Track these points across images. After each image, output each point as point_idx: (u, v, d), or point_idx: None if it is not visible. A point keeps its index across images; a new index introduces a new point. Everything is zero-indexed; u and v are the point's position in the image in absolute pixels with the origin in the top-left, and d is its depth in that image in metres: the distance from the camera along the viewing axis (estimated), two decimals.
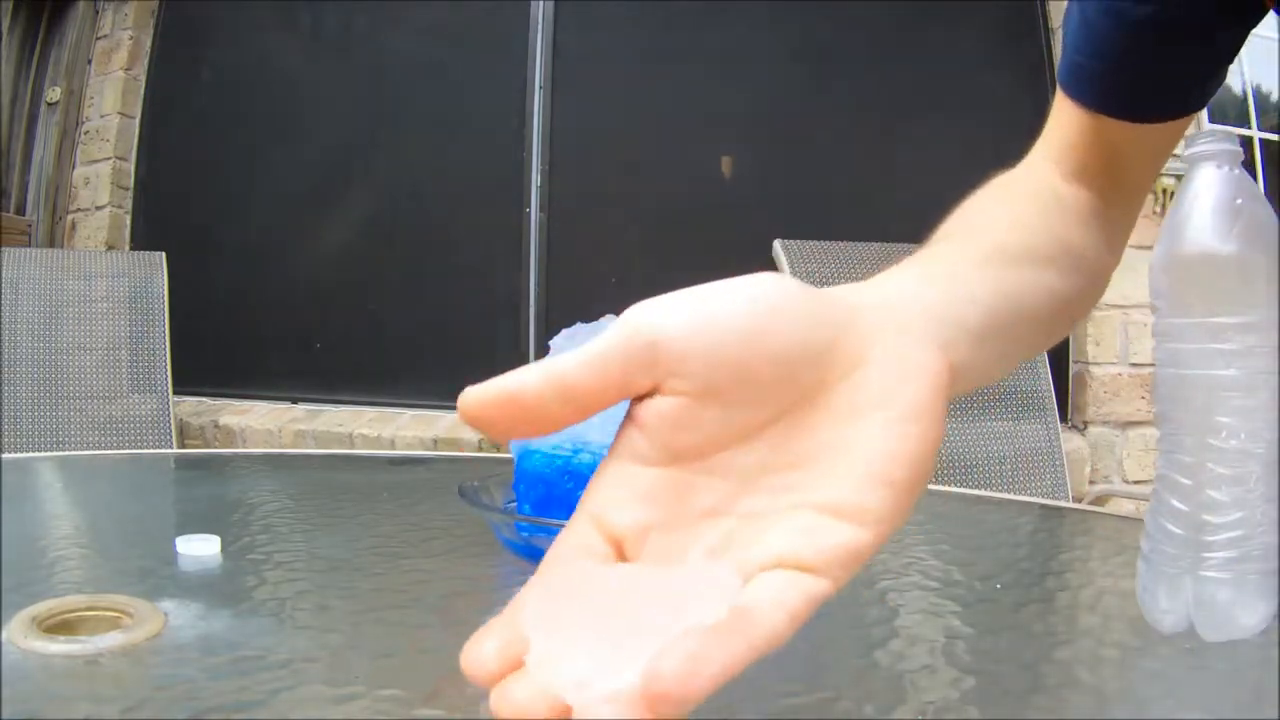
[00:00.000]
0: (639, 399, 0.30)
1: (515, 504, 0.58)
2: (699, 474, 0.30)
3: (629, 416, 0.30)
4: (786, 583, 0.27)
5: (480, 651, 0.27)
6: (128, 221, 2.71)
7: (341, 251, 2.58)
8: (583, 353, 0.29)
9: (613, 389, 0.29)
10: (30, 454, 1.40)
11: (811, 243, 1.85)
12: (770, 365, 0.29)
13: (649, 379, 0.29)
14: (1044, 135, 0.61)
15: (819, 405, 0.30)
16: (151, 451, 1.81)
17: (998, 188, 0.55)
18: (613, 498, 0.30)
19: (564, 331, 0.58)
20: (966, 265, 0.41)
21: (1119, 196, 0.60)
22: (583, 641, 0.25)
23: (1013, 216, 0.50)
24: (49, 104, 2.73)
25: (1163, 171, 2.31)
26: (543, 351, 0.59)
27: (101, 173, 2.68)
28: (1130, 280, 2.34)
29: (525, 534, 0.56)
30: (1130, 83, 0.58)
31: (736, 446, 0.30)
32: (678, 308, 0.29)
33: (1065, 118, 0.60)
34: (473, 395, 0.31)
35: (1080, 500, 1.82)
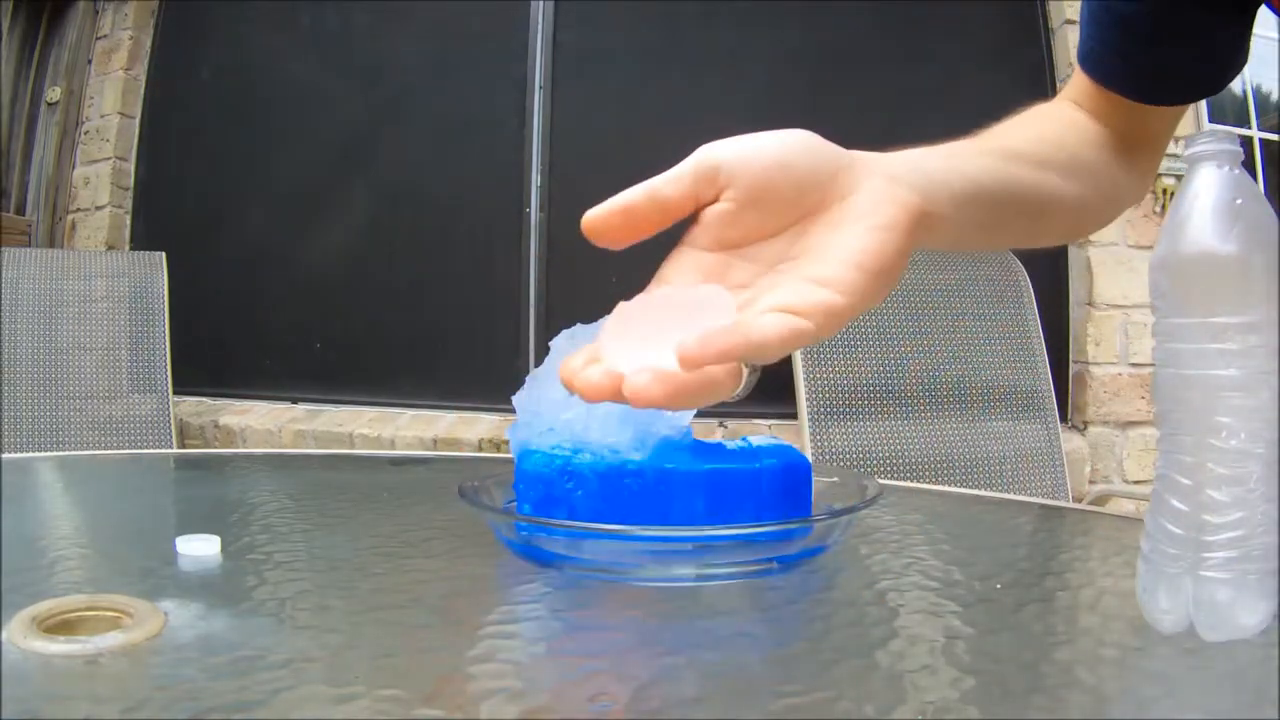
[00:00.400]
0: (703, 206, 0.43)
1: (515, 504, 0.58)
2: (736, 259, 0.43)
3: (695, 219, 0.44)
4: (778, 317, 0.38)
5: (572, 360, 0.40)
6: (128, 221, 2.71)
7: (341, 251, 2.58)
8: (668, 173, 0.43)
9: (689, 198, 0.43)
10: (30, 454, 1.40)
11: None
12: (791, 186, 0.42)
13: (713, 191, 0.43)
14: (1069, 84, 0.67)
15: (820, 217, 0.43)
16: (151, 451, 1.81)
17: (1026, 112, 0.63)
18: (677, 268, 0.43)
19: (564, 332, 0.58)
20: (969, 151, 0.52)
21: (1139, 140, 0.64)
22: (634, 340, 0.38)
23: (1028, 129, 0.60)
24: (49, 104, 2.73)
25: (1162, 172, 2.30)
26: (543, 352, 0.59)
27: (101, 173, 2.68)
28: (1130, 280, 2.35)
29: (525, 534, 0.56)
30: (1137, 70, 0.60)
31: (763, 242, 0.44)
32: (734, 143, 0.43)
33: (1084, 80, 0.65)
34: (593, 212, 0.43)
35: (1080, 500, 1.82)
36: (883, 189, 0.43)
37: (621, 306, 0.41)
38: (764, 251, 0.43)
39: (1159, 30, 0.59)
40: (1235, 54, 0.61)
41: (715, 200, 0.43)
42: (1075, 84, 0.66)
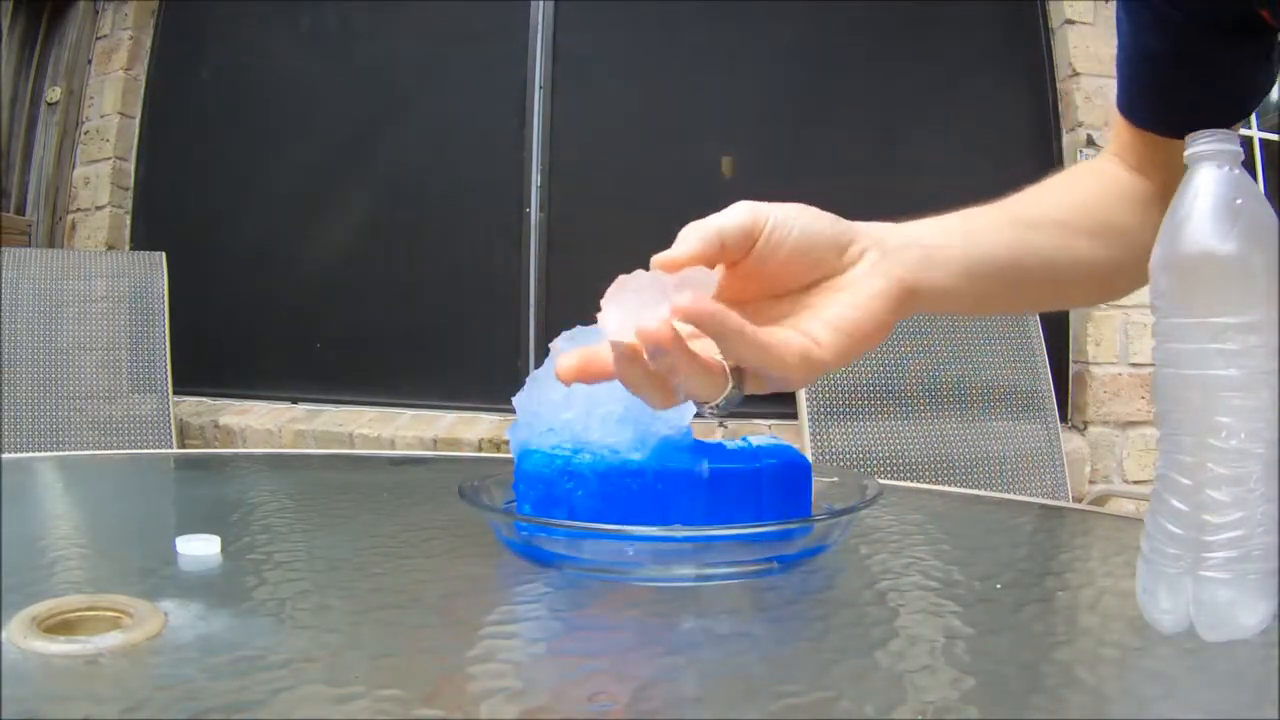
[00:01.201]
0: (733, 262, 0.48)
1: (515, 504, 0.58)
2: (745, 311, 0.45)
3: (727, 270, 0.48)
4: (767, 330, 0.44)
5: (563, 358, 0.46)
6: (128, 221, 2.71)
7: (341, 251, 2.58)
8: (726, 218, 0.47)
9: (744, 244, 0.47)
10: (30, 454, 1.40)
11: None
12: (808, 255, 0.48)
13: (750, 242, 0.47)
14: (1111, 139, 0.69)
15: (822, 285, 0.49)
16: (151, 451, 1.81)
17: (1064, 173, 0.66)
18: None
19: (564, 334, 0.59)
20: (988, 222, 0.57)
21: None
22: (628, 306, 0.43)
23: (1059, 194, 0.63)
24: (49, 104, 2.73)
25: None
26: (543, 352, 0.59)
27: (101, 173, 2.68)
28: None
29: (525, 534, 0.56)
30: (1170, 105, 0.61)
31: (772, 299, 0.49)
32: (778, 206, 0.48)
33: (1123, 126, 0.66)
34: (687, 235, 0.47)
35: (1080, 500, 1.82)
36: (876, 263, 0.49)
37: (620, 279, 0.45)
38: (769, 309, 0.49)
39: (1187, 61, 0.60)
40: (1262, 75, 0.62)
41: (745, 255, 0.48)
42: (1116, 137, 0.67)
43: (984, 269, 0.54)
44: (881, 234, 0.51)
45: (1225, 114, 0.63)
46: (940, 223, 0.55)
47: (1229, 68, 0.60)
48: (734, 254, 0.47)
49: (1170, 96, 0.62)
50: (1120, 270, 0.62)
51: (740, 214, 0.47)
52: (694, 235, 0.46)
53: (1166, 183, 0.63)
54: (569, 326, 0.59)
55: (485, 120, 2.50)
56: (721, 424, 2.18)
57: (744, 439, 0.59)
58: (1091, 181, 0.66)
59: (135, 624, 0.42)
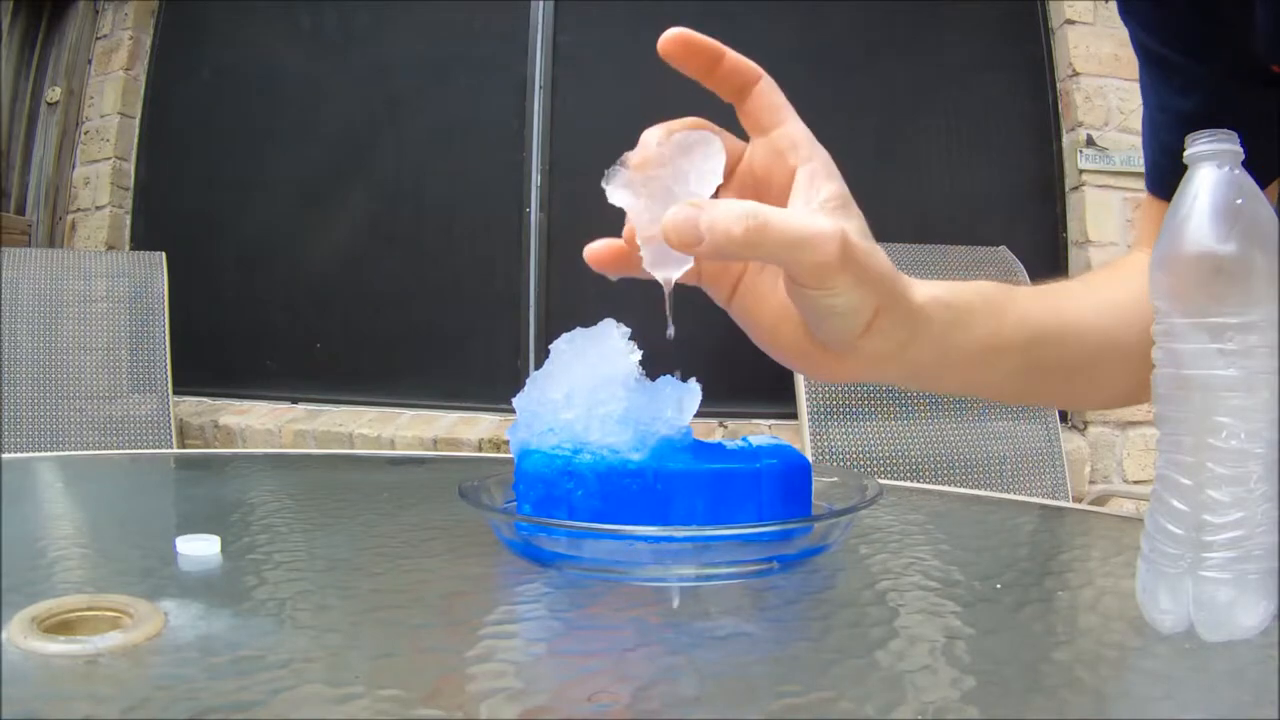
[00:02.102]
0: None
1: (515, 504, 0.58)
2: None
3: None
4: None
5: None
6: (128, 221, 2.72)
7: (342, 251, 2.58)
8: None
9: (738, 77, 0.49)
10: (30, 454, 1.40)
11: None
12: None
13: (741, 80, 0.50)
14: (1139, 229, 0.69)
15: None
16: (151, 451, 1.81)
17: (1104, 270, 0.65)
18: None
19: (564, 336, 0.59)
20: (1000, 292, 0.52)
21: None
22: (638, 189, 0.46)
23: (1086, 285, 0.60)
24: (49, 104, 2.73)
25: None
26: (543, 352, 0.59)
27: (101, 173, 2.68)
28: None
29: (525, 534, 0.56)
30: None
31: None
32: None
33: (1153, 207, 0.66)
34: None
35: (1080, 500, 1.82)
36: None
37: (624, 157, 0.47)
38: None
39: (1219, 120, 0.58)
40: None
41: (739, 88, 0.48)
42: (1147, 222, 0.65)
43: (969, 318, 0.51)
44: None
45: (1262, 173, 0.61)
46: (951, 285, 0.51)
47: (1262, 124, 0.58)
48: (729, 79, 0.48)
49: None
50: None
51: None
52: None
53: None
54: (569, 326, 0.60)
55: (485, 120, 2.50)
56: (721, 424, 2.18)
57: (744, 439, 0.59)
58: (1115, 280, 0.62)
59: (135, 624, 0.42)
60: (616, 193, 0.46)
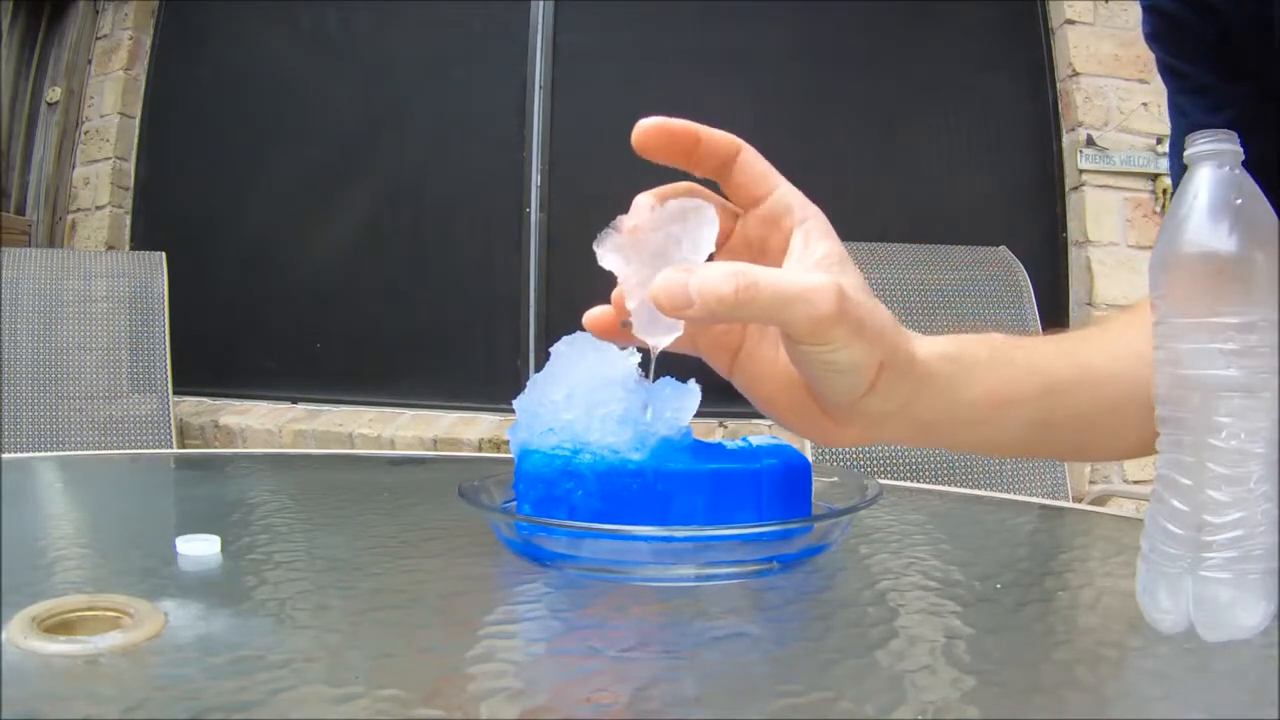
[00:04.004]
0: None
1: (515, 504, 0.58)
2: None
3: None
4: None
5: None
6: (128, 221, 2.72)
7: (341, 251, 2.58)
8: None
9: (722, 152, 0.47)
10: (30, 454, 1.40)
11: None
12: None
13: (729, 154, 0.48)
14: None
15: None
16: (151, 451, 1.81)
17: (1127, 309, 0.62)
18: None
19: (565, 338, 0.59)
20: (1008, 343, 0.52)
21: None
22: (628, 255, 0.46)
23: (1105, 330, 0.59)
24: (49, 104, 2.73)
25: (1162, 172, 2.30)
26: (543, 353, 0.59)
27: (101, 173, 2.68)
28: (1130, 280, 2.35)
29: (525, 534, 0.56)
30: None
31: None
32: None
33: None
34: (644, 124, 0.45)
35: (1080, 500, 1.82)
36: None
37: (617, 221, 0.46)
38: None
39: (1249, 133, 0.58)
40: None
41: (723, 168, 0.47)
42: None
43: (980, 367, 0.50)
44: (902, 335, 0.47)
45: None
46: (961, 340, 0.52)
47: None
48: (709, 158, 0.46)
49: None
50: None
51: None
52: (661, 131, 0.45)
53: None
54: (569, 326, 0.60)
55: (485, 120, 2.50)
56: (721, 424, 2.18)
57: (744, 439, 0.59)
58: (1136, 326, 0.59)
59: (135, 624, 0.42)
60: (607, 257, 0.46)
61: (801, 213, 0.47)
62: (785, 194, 0.47)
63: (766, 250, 0.48)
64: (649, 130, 0.45)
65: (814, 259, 0.44)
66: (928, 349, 0.47)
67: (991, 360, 0.50)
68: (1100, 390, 0.53)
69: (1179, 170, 0.63)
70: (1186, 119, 0.62)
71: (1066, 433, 0.56)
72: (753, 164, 0.48)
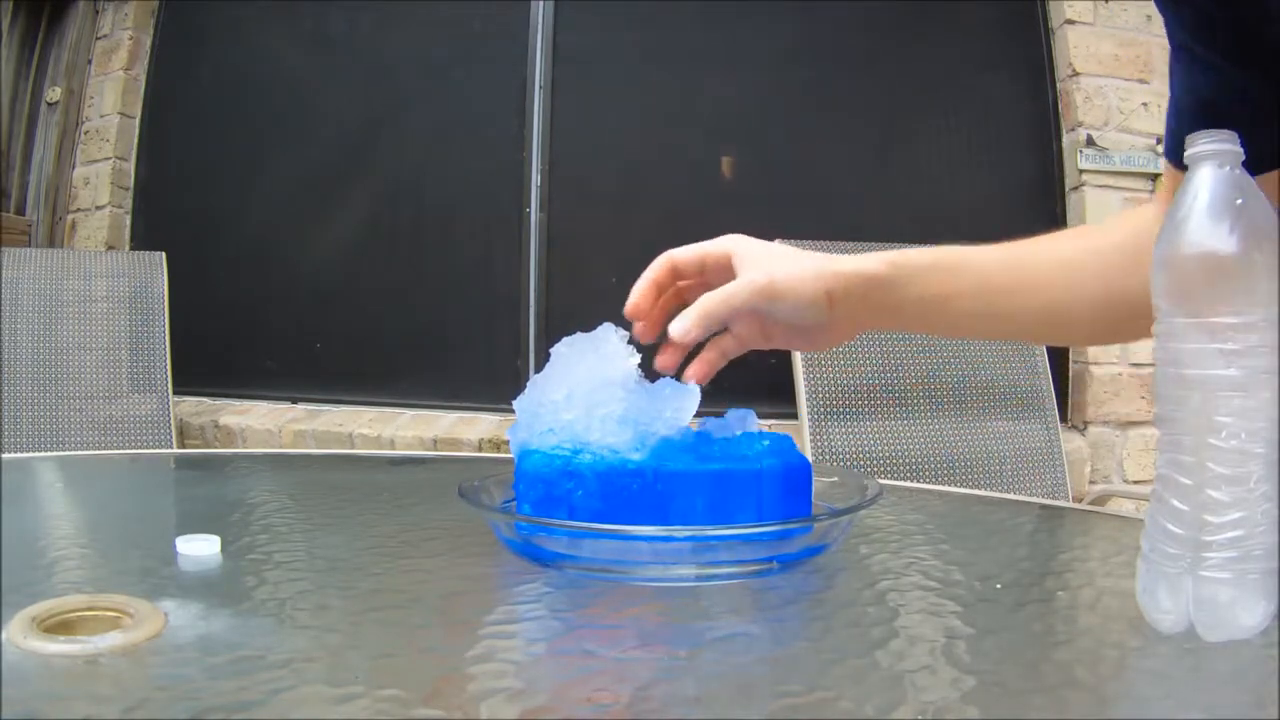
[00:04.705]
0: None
1: (515, 504, 0.58)
2: None
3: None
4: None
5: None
6: (128, 221, 2.71)
7: (341, 251, 2.58)
8: (690, 247, 0.65)
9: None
10: (30, 454, 1.40)
11: (811, 243, 1.85)
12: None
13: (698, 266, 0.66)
14: (1158, 195, 0.73)
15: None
16: (151, 451, 1.81)
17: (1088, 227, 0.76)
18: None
19: (565, 339, 0.59)
20: (955, 253, 0.65)
21: None
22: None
23: (1054, 241, 0.69)
24: (49, 104, 2.73)
25: (1162, 171, 2.28)
26: (543, 353, 0.59)
27: (101, 173, 2.68)
28: None
29: (525, 534, 0.56)
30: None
31: None
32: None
33: (1170, 176, 0.68)
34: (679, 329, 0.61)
35: (1080, 500, 1.82)
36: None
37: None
38: None
39: (1239, 103, 0.59)
40: None
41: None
42: (1163, 190, 0.69)
43: (921, 264, 0.63)
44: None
45: (1266, 160, 0.61)
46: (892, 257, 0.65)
47: (1268, 110, 0.59)
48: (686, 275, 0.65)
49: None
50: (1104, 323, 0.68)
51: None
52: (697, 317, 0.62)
53: None
54: (569, 327, 0.60)
55: (485, 120, 2.50)
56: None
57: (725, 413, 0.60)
58: (1122, 223, 0.69)
59: (135, 624, 0.42)
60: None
61: (738, 253, 0.64)
62: (726, 253, 0.64)
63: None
64: (636, 303, 0.63)
65: (747, 275, 0.62)
66: (874, 260, 0.62)
67: (935, 267, 0.63)
68: (1037, 295, 0.65)
69: (1173, 118, 0.64)
70: (1181, 80, 0.62)
71: (1013, 325, 0.70)
72: (714, 260, 0.64)
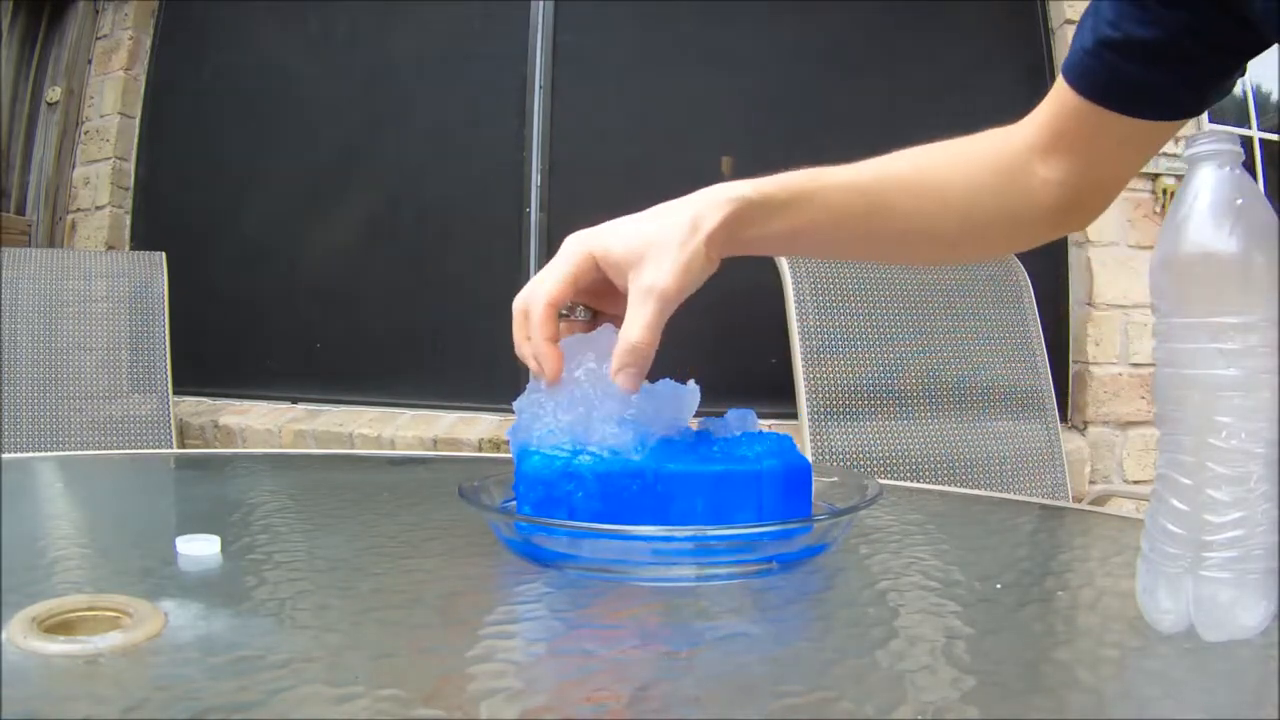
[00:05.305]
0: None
1: (515, 504, 0.58)
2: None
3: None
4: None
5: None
6: (128, 221, 2.71)
7: (342, 251, 2.58)
8: (554, 278, 0.59)
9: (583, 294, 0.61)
10: (30, 454, 1.40)
11: None
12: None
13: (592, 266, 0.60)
14: (1037, 109, 0.70)
15: None
16: (151, 451, 1.81)
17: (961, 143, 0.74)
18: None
19: (564, 340, 0.59)
20: (808, 180, 0.69)
21: (1085, 182, 0.69)
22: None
23: (914, 164, 0.74)
24: (49, 104, 2.73)
25: (1163, 172, 2.30)
26: None
27: (101, 173, 2.68)
28: (1130, 280, 2.35)
29: (525, 534, 0.56)
30: (1127, 84, 0.60)
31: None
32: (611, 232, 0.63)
33: (1060, 98, 0.67)
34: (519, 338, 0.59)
35: (1080, 500, 1.82)
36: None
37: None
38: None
39: (1164, 56, 0.59)
40: (1225, 82, 0.62)
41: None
42: (1049, 102, 0.68)
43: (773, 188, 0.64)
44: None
45: (1179, 107, 0.63)
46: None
47: (1205, 67, 0.61)
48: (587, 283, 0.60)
49: (1137, 77, 0.61)
50: (961, 237, 0.71)
51: (566, 268, 0.60)
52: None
53: (1072, 174, 0.68)
54: None
55: (485, 120, 2.50)
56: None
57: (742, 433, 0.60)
58: (976, 146, 0.72)
59: (135, 624, 0.42)
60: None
61: (598, 253, 0.61)
62: (586, 255, 0.61)
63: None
64: (555, 369, 0.58)
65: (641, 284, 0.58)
66: (729, 205, 0.61)
67: (788, 198, 0.65)
68: (890, 221, 0.70)
69: (1086, 40, 0.63)
70: (1114, 13, 0.61)
71: (867, 247, 0.77)
72: (583, 272, 0.61)
